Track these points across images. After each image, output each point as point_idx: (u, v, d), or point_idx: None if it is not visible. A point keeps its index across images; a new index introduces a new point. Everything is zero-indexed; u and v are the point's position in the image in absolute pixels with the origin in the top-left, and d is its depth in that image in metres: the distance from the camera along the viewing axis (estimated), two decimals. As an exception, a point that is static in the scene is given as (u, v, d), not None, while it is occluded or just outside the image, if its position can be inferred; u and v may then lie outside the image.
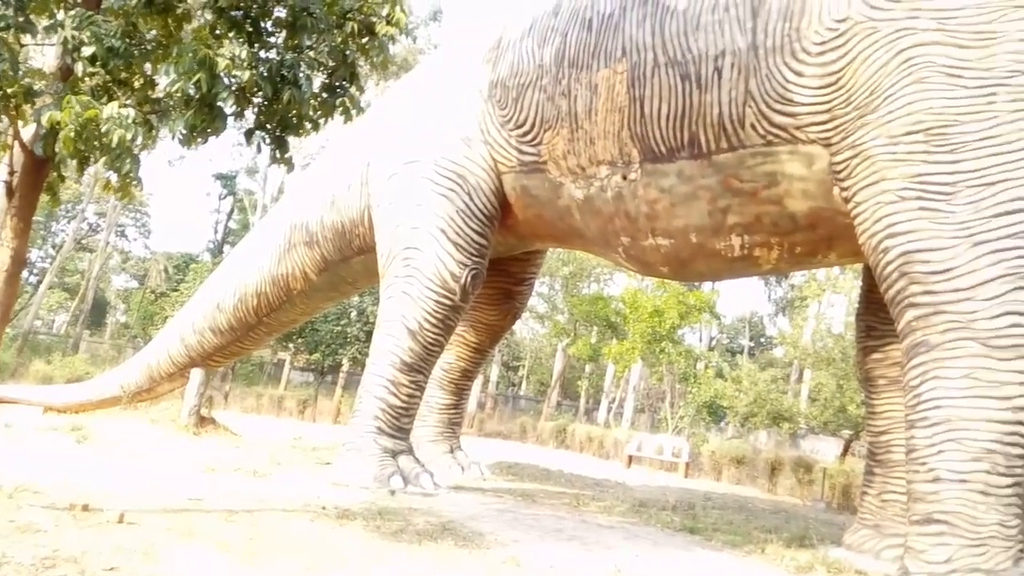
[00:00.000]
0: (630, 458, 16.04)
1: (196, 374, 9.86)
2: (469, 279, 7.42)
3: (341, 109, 4.53)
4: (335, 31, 4.39)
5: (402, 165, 7.82)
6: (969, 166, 4.50)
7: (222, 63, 3.99)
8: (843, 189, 5.27)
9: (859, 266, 6.56)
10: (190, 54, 3.89)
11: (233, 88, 4.17)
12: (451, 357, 9.07)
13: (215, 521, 4.39)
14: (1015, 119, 4.45)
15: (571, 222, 7.32)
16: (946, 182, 4.56)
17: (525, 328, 34.30)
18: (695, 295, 21.13)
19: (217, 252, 33.28)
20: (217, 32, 4.31)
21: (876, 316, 6.09)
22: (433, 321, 7.32)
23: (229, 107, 4.21)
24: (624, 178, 6.48)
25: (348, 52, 4.47)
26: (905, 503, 4.86)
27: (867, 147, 4.97)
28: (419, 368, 7.34)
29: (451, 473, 8.36)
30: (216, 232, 37.40)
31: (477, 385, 30.11)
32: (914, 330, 4.67)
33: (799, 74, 5.32)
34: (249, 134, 4.40)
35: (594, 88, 6.44)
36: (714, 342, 39.72)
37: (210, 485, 5.69)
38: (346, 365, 20.94)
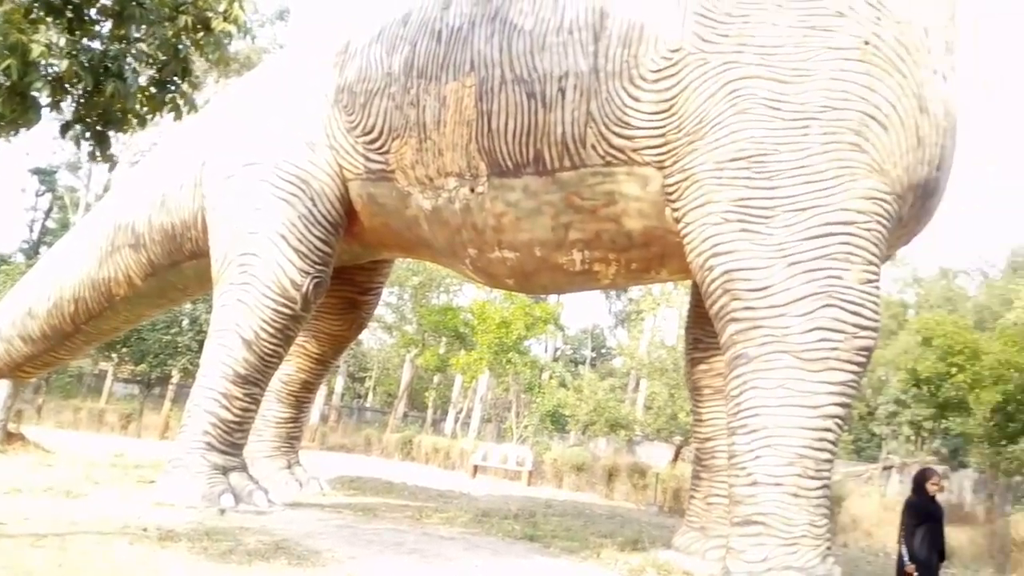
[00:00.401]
0: (475, 468, 16.13)
1: (3, 386, 8.97)
2: (311, 287, 7.19)
3: (171, 106, 4.27)
4: (167, 24, 4.13)
5: (241, 166, 7.48)
6: (785, 192, 4.88)
7: (37, 50, 3.66)
8: (674, 210, 5.56)
9: (689, 282, 6.96)
10: (0, 38, 3.54)
11: (49, 77, 3.84)
12: (291, 368, 8.75)
13: (19, 547, 3.99)
14: (826, 151, 4.89)
15: (419, 232, 7.28)
16: (765, 206, 4.92)
17: (373, 338, 33.76)
18: (541, 307, 21.63)
19: (32, 253, 30.45)
20: (33, 16, 3.94)
21: (703, 329, 6.45)
22: (271, 331, 7.04)
23: (44, 98, 3.87)
24: (472, 191, 6.52)
25: (181, 47, 4.22)
26: (728, 506, 5.17)
27: (696, 171, 5.27)
28: (254, 380, 7.04)
29: (288, 489, 8.06)
30: (32, 231, 34.27)
31: (321, 396, 29.28)
32: (735, 343, 5.00)
33: (636, 99, 5.56)
34: (66, 127, 4.05)
35: (443, 100, 6.45)
36: (558, 353, 40.80)
37: (15, 507, 5.17)
38: (176, 377, 19.70)
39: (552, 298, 22.28)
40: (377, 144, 6.99)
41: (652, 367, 18.40)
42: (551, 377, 25.51)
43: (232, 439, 6.92)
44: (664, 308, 23.15)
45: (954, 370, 21.43)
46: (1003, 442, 21.67)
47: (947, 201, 5.74)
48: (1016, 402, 21.35)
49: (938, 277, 37.22)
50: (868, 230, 4.87)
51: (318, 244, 7.24)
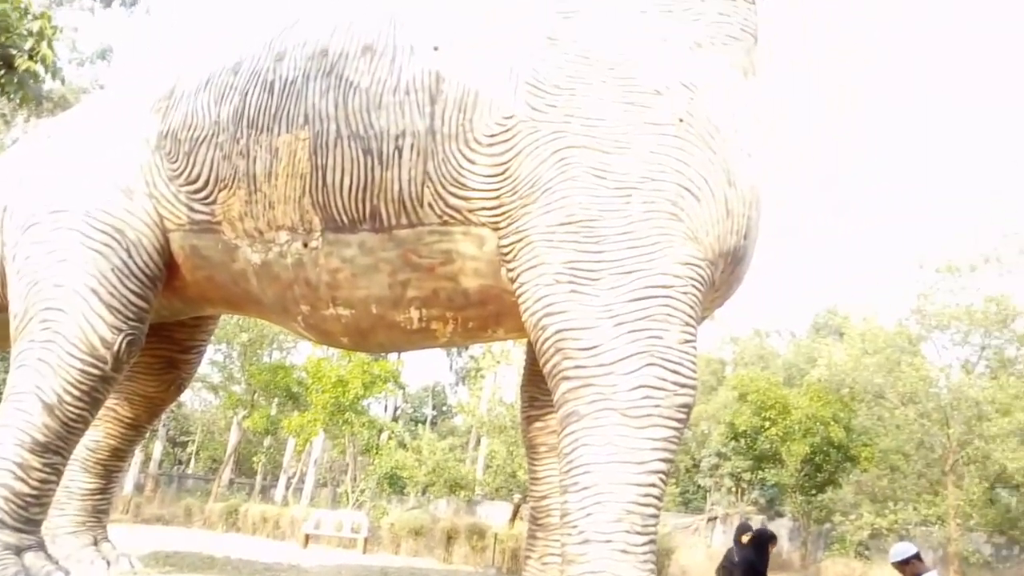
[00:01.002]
0: (307, 537, 15.36)
1: None
2: (124, 346, 6.66)
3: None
4: (-40, 57, 3.77)
5: (47, 213, 6.87)
6: (611, 256, 5.11)
7: None
8: (509, 270, 5.67)
9: (526, 340, 7.09)
10: None
11: None
12: (99, 435, 8.01)
13: None
14: (647, 218, 5.18)
15: (247, 287, 6.96)
16: (593, 269, 5.13)
17: (196, 399, 31.76)
18: (380, 365, 21.24)
19: None
20: None
21: (538, 387, 6.55)
22: (76, 394, 6.43)
23: None
24: (305, 245, 6.35)
25: (-24, 82, 3.86)
26: (562, 565, 5.19)
27: (529, 233, 5.42)
28: (56, 449, 6.37)
29: (94, 569, 7.29)
30: None
31: (136, 464, 26.96)
32: (567, 401, 5.11)
33: (472, 162, 5.67)
34: None
35: (275, 152, 6.28)
36: (399, 412, 40.12)
37: None
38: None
39: (392, 356, 21.99)
40: (203, 194, 6.66)
41: (492, 425, 18.48)
42: (390, 437, 24.97)
43: (28, 514, 6.20)
44: (503, 366, 23.44)
45: (767, 424, 23.08)
46: (813, 491, 23.45)
47: (758, 267, 6.22)
48: (823, 453, 23.24)
49: (752, 336, 40.18)
50: (685, 293, 5.16)
51: (132, 299, 6.74)
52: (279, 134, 6.29)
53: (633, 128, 5.38)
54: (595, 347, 5.01)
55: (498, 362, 22.78)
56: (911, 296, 21.64)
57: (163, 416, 9.13)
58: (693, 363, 5.18)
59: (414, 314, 6.40)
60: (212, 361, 26.08)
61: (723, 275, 5.68)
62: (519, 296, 5.54)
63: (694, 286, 5.23)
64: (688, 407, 5.07)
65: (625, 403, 4.90)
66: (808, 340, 35.73)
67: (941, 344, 22.17)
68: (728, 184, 5.52)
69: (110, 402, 7.87)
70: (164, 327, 8.09)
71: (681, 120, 5.49)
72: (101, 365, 6.54)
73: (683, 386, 5.05)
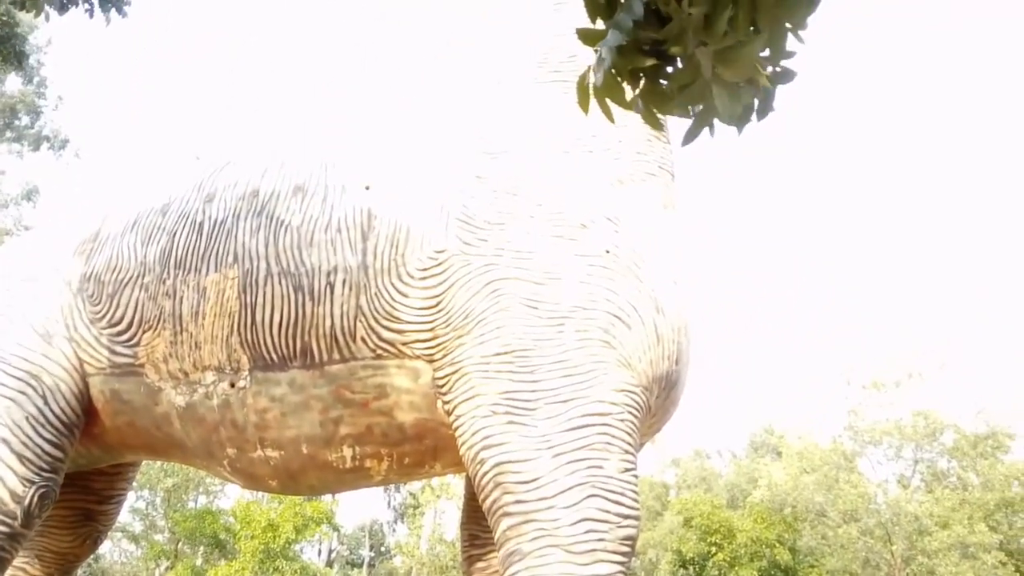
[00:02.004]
0: None
1: None
2: (35, 499, 6.23)
3: None
4: None
5: (-43, 361, 6.56)
6: (547, 385, 5.11)
7: None
8: (445, 402, 5.59)
9: (459, 473, 6.91)
10: None
11: None
12: (2, 599, 7.33)
13: None
14: (580, 346, 5.23)
15: (170, 431, 6.67)
16: (529, 399, 5.10)
17: (116, 550, 29.66)
18: (313, 506, 20.33)
19: None
20: None
21: (479, 524, 6.34)
22: (-21, 554, 5.93)
23: None
24: (232, 385, 6.17)
25: None
26: None
27: (464, 364, 5.40)
28: (-51, 619, 5.79)
29: None
30: None
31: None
32: (508, 539, 4.94)
33: (405, 295, 5.70)
34: None
35: (202, 291, 6.20)
36: (334, 555, 38.09)
37: None
38: None
39: (327, 496, 21.11)
40: (125, 336, 6.48)
41: (433, 566, 17.65)
42: (324, 584, 23.60)
43: None
44: (444, 500, 22.73)
45: (714, 549, 22.70)
46: (763, 617, 22.86)
47: (695, 387, 6.29)
48: (770, 576, 22.84)
49: (693, 457, 40.18)
50: (622, 420, 5.16)
51: (47, 448, 6.37)
52: (207, 274, 6.24)
53: (562, 260, 5.52)
54: (535, 479, 4.91)
55: (438, 496, 22.06)
56: (842, 412, 22.13)
57: (78, 572, 8.43)
58: (635, 492, 5.11)
59: (347, 452, 6.20)
60: (133, 509, 24.53)
61: (658, 400, 5.72)
62: (456, 429, 5.45)
63: (631, 413, 5.24)
64: (633, 539, 4.96)
65: (568, 539, 4.76)
66: (747, 460, 35.88)
67: (875, 459, 22.53)
68: (656, 311, 5.65)
69: (18, 561, 7.28)
70: (79, 476, 7.63)
71: (608, 251, 5.67)
72: (10, 521, 6.09)
73: (626, 517, 4.95)
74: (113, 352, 6.53)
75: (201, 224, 6.45)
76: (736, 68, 2.21)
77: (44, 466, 6.33)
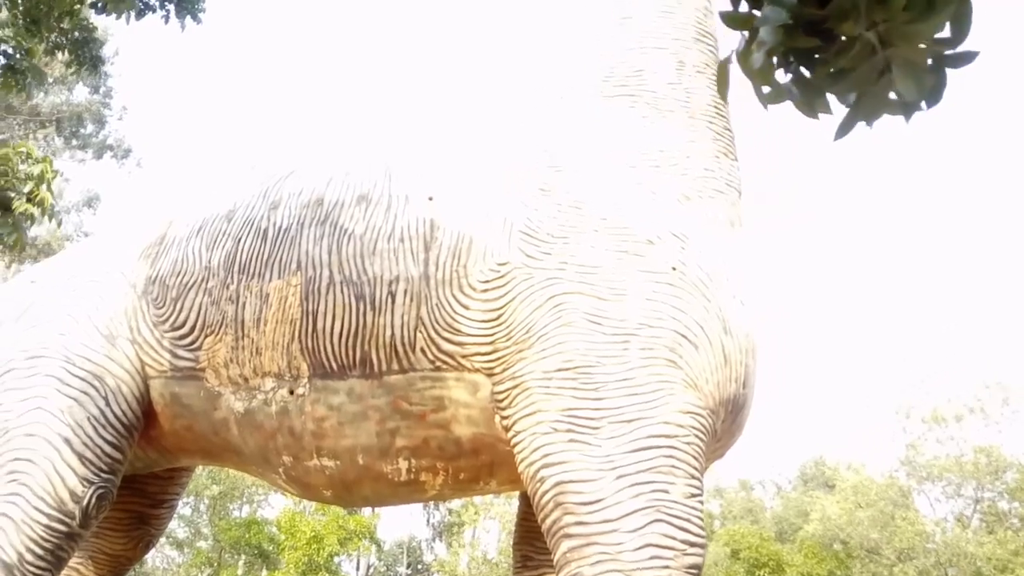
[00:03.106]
0: None
1: None
2: (94, 500, 6.28)
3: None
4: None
5: (24, 359, 6.67)
6: (611, 404, 4.97)
7: None
8: (504, 417, 5.49)
9: (514, 493, 6.78)
10: None
11: None
12: (56, 598, 7.40)
13: None
14: (645, 364, 5.09)
15: (227, 437, 6.69)
16: (592, 417, 4.97)
17: (159, 556, 30.07)
18: (355, 519, 20.34)
19: None
20: None
21: (532, 546, 6.20)
22: (39, 552, 5.99)
23: None
24: (291, 392, 6.16)
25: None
26: None
27: (525, 379, 5.30)
28: (7, 614, 5.84)
29: None
30: None
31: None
32: (569, 561, 4.80)
33: (466, 307, 5.63)
34: None
35: (265, 297, 6.22)
36: (371, 570, 38.10)
37: None
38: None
39: (367, 510, 21.11)
40: (188, 340, 6.53)
41: (472, 585, 17.44)
42: (363, 599, 23.55)
43: None
44: (485, 519, 22.54)
45: (762, 582, 22.06)
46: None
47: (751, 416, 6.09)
48: (820, 613, 22.08)
49: (738, 488, 39.27)
50: (688, 444, 5.00)
51: (107, 450, 6.43)
52: (270, 280, 6.26)
53: (628, 276, 5.40)
54: (598, 500, 4.77)
55: (479, 515, 21.88)
56: (898, 447, 21.41)
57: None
58: (701, 519, 4.94)
59: (403, 464, 6.13)
60: (179, 515, 24.87)
61: (724, 424, 5.54)
62: (515, 445, 5.34)
63: (697, 436, 5.07)
64: (698, 568, 4.78)
65: (632, 564, 4.60)
66: (797, 493, 34.93)
67: (933, 496, 21.72)
68: (724, 331, 5.49)
69: (73, 561, 7.34)
70: (135, 480, 7.70)
71: (674, 268, 5.54)
72: (68, 521, 6.14)
73: (692, 544, 4.78)
74: (175, 355, 6.59)
75: (266, 231, 6.49)
76: (916, 46, 2.05)
77: (104, 467, 6.39)
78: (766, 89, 2.32)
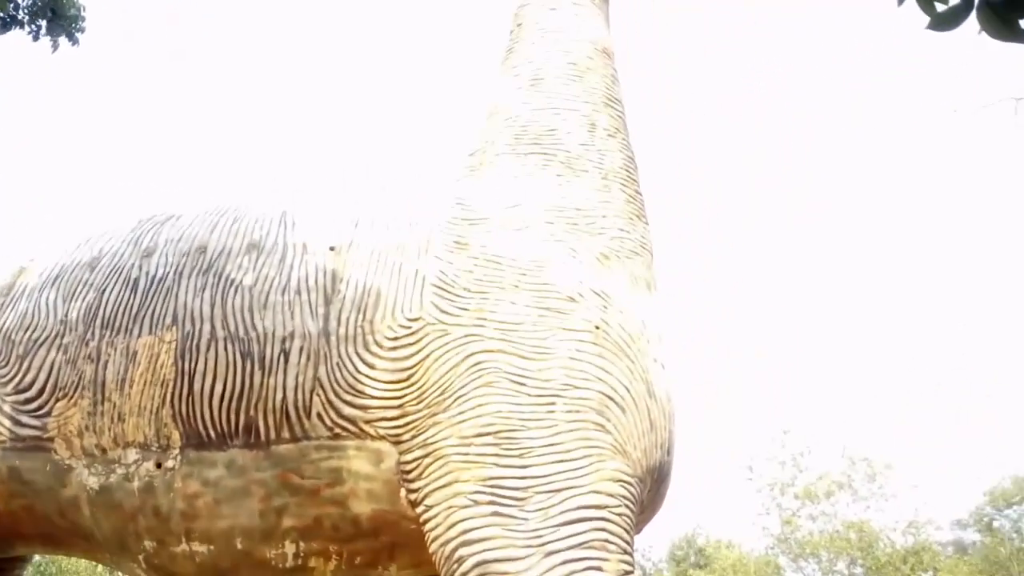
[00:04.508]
0: None
1: None
2: None
3: None
4: None
5: None
6: (538, 472, 4.52)
7: None
8: (412, 491, 4.91)
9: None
10: None
11: None
12: None
13: None
14: (573, 428, 4.68)
15: (76, 519, 5.70)
16: (517, 487, 4.50)
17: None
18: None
19: None
20: None
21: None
22: None
23: None
24: (158, 466, 5.33)
25: None
26: None
27: (439, 446, 4.77)
28: None
29: None
30: None
31: None
32: (490, 655, 4.20)
33: (371, 366, 5.10)
34: None
35: (132, 355, 5.44)
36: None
37: None
38: None
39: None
40: (34, 404, 5.59)
41: None
42: None
43: None
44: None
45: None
46: None
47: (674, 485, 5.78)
48: None
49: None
50: (620, 515, 4.59)
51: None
52: (139, 335, 5.50)
53: (551, 333, 5.05)
54: (525, 583, 4.24)
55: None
56: (773, 522, 21.81)
57: None
58: (636, 600, 4.49)
59: (289, 548, 5.36)
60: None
61: (649, 494, 5.19)
62: (425, 523, 4.74)
63: (627, 507, 4.67)
64: None
65: (565, 654, 4.07)
66: (670, 573, 35.00)
67: (808, 572, 22.14)
68: (649, 395, 5.20)
69: None
70: (-47, 574, 6.45)
71: (597, 327, 5.23)
72: None
73: None
74: (17, 423, 5.60)
75: (136, 280, 5.74)
76: None
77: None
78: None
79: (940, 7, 2.08)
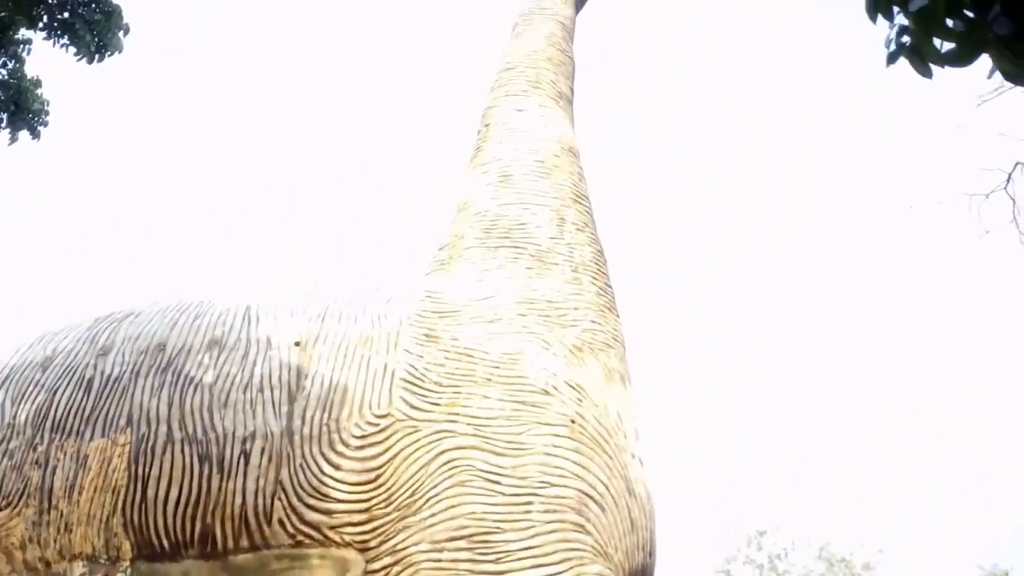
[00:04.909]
0: None
1: None
2: None
3: None
4: None
5: None
6: (515, 576, 4.24)
7: None
8: (380, 603, 4.58)
9: None
10: None
11: None
12: None
13: None
14: (551, 529, 4.45)
15: (11, 643, 5.23)
16: (493, 595, 4.20)
17: None
18: None
19: None
20: None
21: None
22: None
23: None
24: (105, 580, 4.94)
25: None
26: None
27: (409, 553, 4.51)
28: None
29: None
30: None
31: None
32: None
33: (336, 467, 4.85)
34: None
35: (82, 460, 5.15)
36: None
37: None
38: None
39: None
40: (-25, 514, 5.20)
41: None
42: None
43: None
44: None
45: None
46: None
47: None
48: None
49: None
50: (602, 624, 4.31)
51: None
52: (91, 438, 5.22)
53: (526, 428, 4.86)
54: None
55: None
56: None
57: None
58: None
59: (246, 670, 4.94)
60: None
61: (632, 600, 4.90)
62: (394, 637, 4.41)
63: (610, 614, 4.40)
64: None
65: None
66: None
67: None
68: (629, 493, 5.00)
69: None
70: None
71: (573, 421, 5.07)
72: None
73: None
74: None
75: (91, 380, 5.49)
76: None
77: None
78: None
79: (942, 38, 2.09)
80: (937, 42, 2.05)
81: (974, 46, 2.02)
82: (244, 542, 4.81)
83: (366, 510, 4.72)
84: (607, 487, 4.85)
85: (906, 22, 2.01)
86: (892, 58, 2.15)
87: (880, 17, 2.09)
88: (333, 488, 4.79)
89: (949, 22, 2.03)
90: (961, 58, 2.07)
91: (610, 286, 6.58)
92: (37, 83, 5.32)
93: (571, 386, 5.26)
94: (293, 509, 4.79)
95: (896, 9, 2.06)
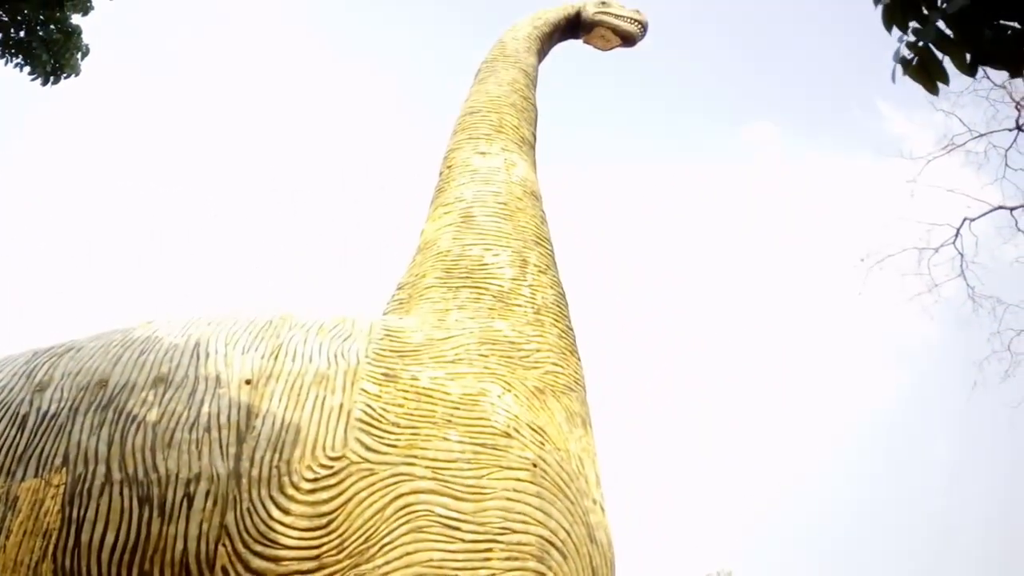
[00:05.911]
0: None
1: None
2: None
3: None
4: None
5: None
6: (472, 631, 4.04)
7: None
8: (328, 657, 4.32)
9: None
10: None
11: None
12: None
13: None
14: (511, 581, 4.27)
15: None
16: (450, 650, 3.99)
17: None
18: None
19: None
20: None
21: None
22: None
23: None
24: (29, 635, 4.58)
25: None
26: None
27: (362, 603, 4.25)
28: None
29: None
30: None
31: None
32: None
33: (285, 511, 4.62)
34: None
35: (12, 502, 4.82)
36: None
37: None
38: None
39: None
40: None
41: None
42: None
43: None
44: None
45: None
46: None
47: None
48: None
49: None
50: None
51: None
52: (23, 479, 4.88)
53: (486, 472, 4.70)
54: None
55: None
56: None
57: None
58: None
59: None
60: None
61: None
62: None
63: (573, 669, 4.21)
64: None
65: None
66: None
67: None
68: (590, 539, 4.85)
69: None
70: None
71: (535, 465, 4.92)
72: None
73: None
74: None
75: (25, 417, 5.17)
76: None
77: None
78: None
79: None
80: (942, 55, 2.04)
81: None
82: None
83: (316, 557, 4.48)
84: (568, 533, 4.70)
85: (912, 38, 2.00)
86: (900, 70, 2.14)
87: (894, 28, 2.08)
88: (281, 534, 4.54)
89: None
90: (1006, 62, 2.03)
91: (571, 329, 6.51)
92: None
93: (533, 429, 5.13)
94: (238, 556, 4.53)
95: (912, 23, 2.05)
